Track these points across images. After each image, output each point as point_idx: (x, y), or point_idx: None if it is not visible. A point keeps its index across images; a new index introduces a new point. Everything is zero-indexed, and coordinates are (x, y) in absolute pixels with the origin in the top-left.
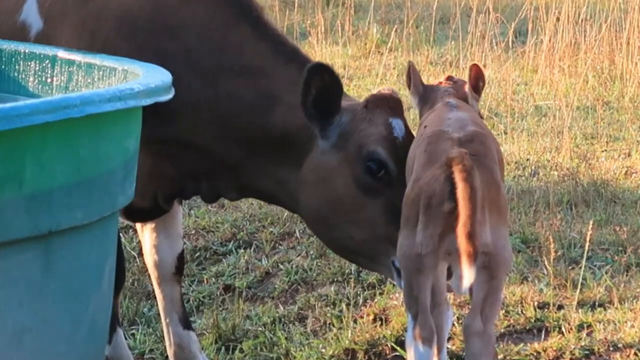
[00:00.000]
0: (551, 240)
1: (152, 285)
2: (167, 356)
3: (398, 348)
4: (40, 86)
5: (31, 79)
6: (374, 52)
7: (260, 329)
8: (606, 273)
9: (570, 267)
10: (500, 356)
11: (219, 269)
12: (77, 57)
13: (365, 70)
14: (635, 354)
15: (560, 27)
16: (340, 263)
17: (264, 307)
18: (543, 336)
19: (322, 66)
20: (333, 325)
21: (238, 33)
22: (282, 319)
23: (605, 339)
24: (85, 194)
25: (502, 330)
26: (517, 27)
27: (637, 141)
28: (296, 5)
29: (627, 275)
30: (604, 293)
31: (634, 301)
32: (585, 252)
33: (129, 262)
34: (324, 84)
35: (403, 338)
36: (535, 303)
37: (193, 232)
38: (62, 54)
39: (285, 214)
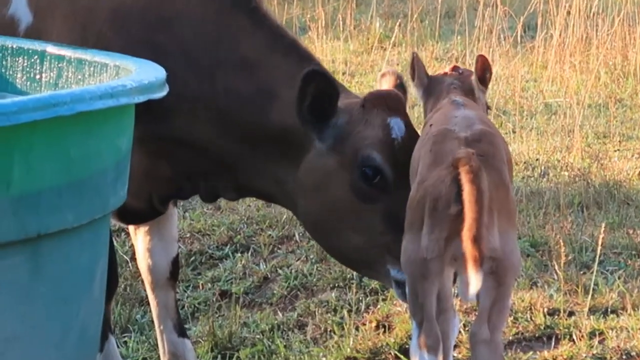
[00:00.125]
0: (561, 243)
1: (145, 290)
2: None
3: (402, 357)
4: (28, 83)
5: (19, 75)
6: (377, 47)
7: (258, 336)
8: (619, 278)
9: (581, 272)
10: None
11: (215, 274)
12: (67, 52)
13: (368, 66)
14: None
15: (571, 21)
16: (341, 268)
17: (262, 314)
18: (553, 344)
19: (316, 72)
20: (334, 333)
21: (234, 24)
22: (281, 326)
23: (618, 346)
24: (75, 196)
25: (511, 338)
26: (526, 21)
27: None
28: None
29: None
30: (617, 299)
31: None
32: (597, 256)
33: (121, 267)
34: (319, 90)
35: (407, 346)
36: (545, 309)
37: (188, 235)
38: (51, 49)
39: (284, 216)
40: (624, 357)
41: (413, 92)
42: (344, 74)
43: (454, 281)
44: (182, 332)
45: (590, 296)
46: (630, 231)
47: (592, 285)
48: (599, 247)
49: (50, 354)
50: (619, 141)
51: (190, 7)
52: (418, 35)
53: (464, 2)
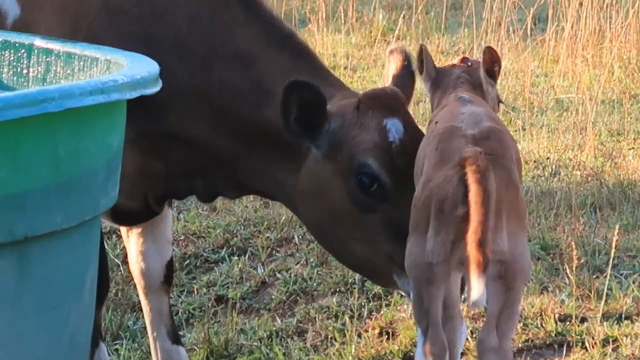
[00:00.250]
0: (573, 246)
1: (137, 295)
2: None
3: None
4: (15, 78)
5: (5, 69)
6: (380, 40)
7: (255, 344)
8: (633, 282)
9: (594, 276)
10: None
11: (210, 278)
12: (56, 46)
13: (370, 60)
14: None
15: (583, 13)
16: (343, 272)
17: (259, 320)
18: (564, 352)
19: (298, 83)
20: (335, 340)
21: (228, 15)
22: (280, 333)
23: (633, 354)
24: (64, 196)
25: (520, 346)
26: (536, 13)
27: None
28: None
29: None
30: (631, 304)
31: None
32: (611, 260)
33: (113, 271)
34: (303, 100)
35: (412, 354)
36: (556, 315)
37: (182, 237)
38: (39, 42)
39: (283, 217)
40: None
41: (420, 86)
42: (345, 68)
43: (462, 286)
44: (176, 339)
45: (603, 301)
46: None
47: (605, 290)
48: (613, 250)
49: None
50: (634, 139)
51: None
52: (423, 28)
53: None
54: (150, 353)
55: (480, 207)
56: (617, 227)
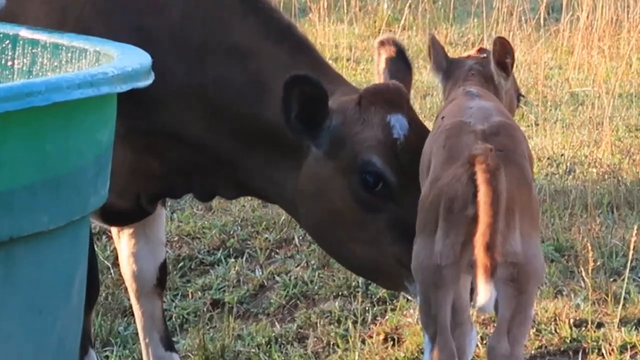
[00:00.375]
0: (589, 248)
1: (129, 299)
2: None
3: None
4: None
5: None
6: (385, 31)
7: (253, 350)
8: None
9: (611, 279)
10: None
11: (205, 281)
12: (42, 36)
13: (374, 52)
14: None
15: (599, 2)
16: (345, 275)
17: (257, 326)
18: (580, 358)
19: (299, 78)
20: (337, 346)
21: (225, 6)
22: (279, 339)
23: None
24: (51, 195)
25: (533, 352)
26: (549, 1)
27: None
28: None
29: None
30: None
31: None
32: (629, 262)
33: (103, 274)
34: (305, 96)
35: None
36: (571, 320)
37: (176, 238)
38: (24, 33)
39: (282, 218)
40: None
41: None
42: (348, 60)
43: (472, 290)
44: (169, 346)
45: (621, 306)
46: None
47: (623, 294)
48: (631, 252)
49: None
50: None
51: None
52: (430, 18)
53: None
54: None
55: (489, 208)
56: (635, 227)
